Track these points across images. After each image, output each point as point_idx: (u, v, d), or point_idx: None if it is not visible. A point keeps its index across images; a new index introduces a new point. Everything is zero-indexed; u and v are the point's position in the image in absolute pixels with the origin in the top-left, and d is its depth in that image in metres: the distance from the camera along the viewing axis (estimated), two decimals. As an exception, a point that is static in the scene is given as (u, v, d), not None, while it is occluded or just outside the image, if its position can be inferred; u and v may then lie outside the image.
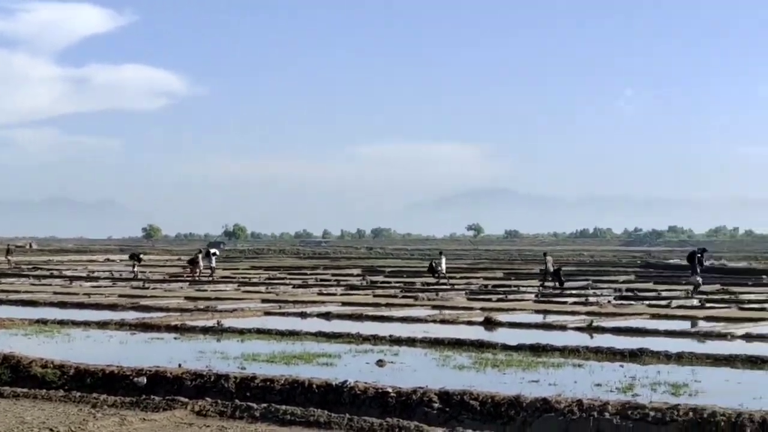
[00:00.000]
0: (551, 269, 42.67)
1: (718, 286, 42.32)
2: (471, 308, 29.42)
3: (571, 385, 14.68)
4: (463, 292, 37.57)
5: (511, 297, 34.55)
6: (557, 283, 41.01)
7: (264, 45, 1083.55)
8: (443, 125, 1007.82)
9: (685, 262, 43.00)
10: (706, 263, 46.98)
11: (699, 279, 38.33)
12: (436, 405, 12.41)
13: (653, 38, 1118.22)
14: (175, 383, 14.28)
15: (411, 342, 20.44)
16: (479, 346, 19.57)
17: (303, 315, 27.29)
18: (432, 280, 44.79)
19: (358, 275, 53.94)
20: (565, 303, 31.85)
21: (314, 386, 13.41)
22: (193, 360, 17.35)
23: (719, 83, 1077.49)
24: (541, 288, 39.96)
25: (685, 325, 24.48)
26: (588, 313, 27.25)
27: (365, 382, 13.46)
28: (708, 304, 31.28)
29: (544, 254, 46.79)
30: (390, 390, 12.94)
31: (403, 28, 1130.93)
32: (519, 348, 19.06)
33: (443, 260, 46.63)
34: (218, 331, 22.62)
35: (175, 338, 21.89)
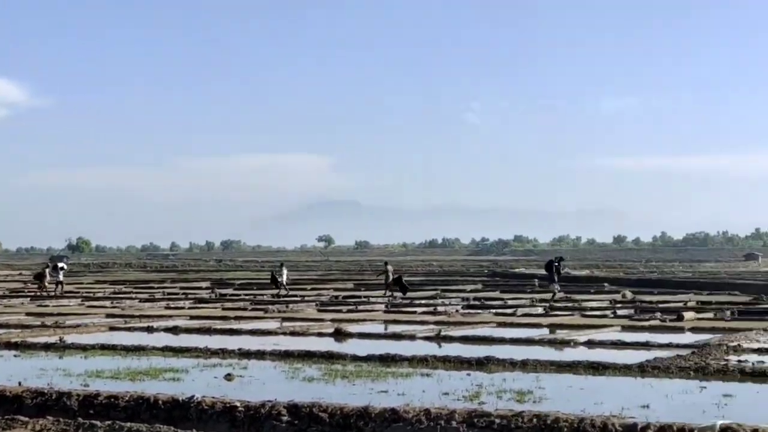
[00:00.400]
0: (392, 278, 43.04)
1: (561, 294, 43.46)
2: (321, 320, 29.39)
3: (419, 394, 14.79)
4: (314, 303, 37.51)
5: (361, 308, 34.68)
6: (402, 292, 41.37)
7: (107, 56, 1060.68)
8: (288, 136, 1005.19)
9: (533, 271, 44.12)
10: (563, 271, 47.56)
11: (557, 287, 38.57)
12: (285, 418, 12.31)
13: (497, 51, 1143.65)
14: (15, 402, 13.78)
15: (260, 355, 20.28)
16: (329, 357, 19.56)
17: (150, 329, 26.75)
18: (276, 291, 44.56)
19: (206, 288, 53.19)
20: (414, 313, 32.16)
21: (160, 402, 13.13)
22: (34, 377, 16.77)
23: (563, 96, 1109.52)
24: (390, 299, 40.18)
25: (530, 333, 24.99)
26: (437, 323, 27.58)
27: (213, 397, 13.26)
28: (552, 312, 32.08)
29: (385, 263, 46.67)
30: (238, 404, 12.78)
31: (235, 37, 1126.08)
32: (368, 359, 19.13)
33: (285, 271, 46.41)
34: (61, 348, 21.98)
35: (15, 355, 21.14)
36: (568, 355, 19.82)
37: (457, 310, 32.99)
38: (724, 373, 16.64)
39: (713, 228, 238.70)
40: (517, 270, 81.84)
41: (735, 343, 21.02)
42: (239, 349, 20.79)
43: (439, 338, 23.73)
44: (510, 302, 37.20)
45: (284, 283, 45.59)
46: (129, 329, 27.12)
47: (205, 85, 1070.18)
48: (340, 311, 33.12)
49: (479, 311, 32.99)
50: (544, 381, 16.33)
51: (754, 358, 18.85)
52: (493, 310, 33.07)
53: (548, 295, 38.12)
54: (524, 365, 17.92)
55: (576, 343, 22.44)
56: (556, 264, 39.71)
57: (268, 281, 48.49)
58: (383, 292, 43.00)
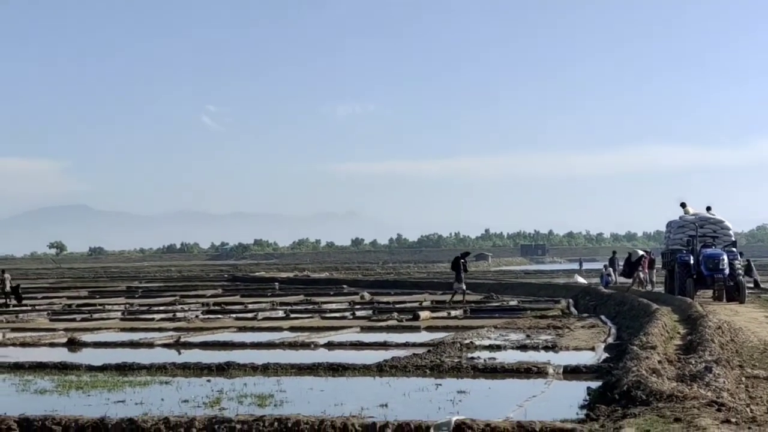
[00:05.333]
0: (9, 287, 41.89)
1: (301, 297, 43.82)
2: (54, 329, 28.23)
3: (158, 403, 14.45)
4: (45, 312, 36.00)
5: (96, 316, 33.63)
6: (16, 300, 40.60)
7: None
8: (6, 140, 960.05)
9: (273, 275, 44.02)
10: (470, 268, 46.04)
11: (463, 285, 37.15)
12: (14, 434, 11.70)
13: (234, 55, 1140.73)
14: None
15: (-13, 368, 19.22)
16: (63, 368, 18.81)
17: None
18: (3, 301, 42.39)
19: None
20: (152, 320, 31.51)
21: None
22: None
23: (300, 101, 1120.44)
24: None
25: (271, 337, 25.00)
26: (176, 329, 27.14)
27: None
28: (292, 315, 32.25)
29: (2, 270, 44.98)
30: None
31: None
32: (105, 368, 18.53)
33: (8, 279, 44.07)
34: None
35: None
36: (309, 357, 19.94)
37: (196, 316, 32.60)
38: (458, 371, 17.19)
39: (446, 229, 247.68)
40: (257, 274, 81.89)
41: (468, 341, 21.83)
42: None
43: (178, 345, 23.36)
44: (251, 306, 37.13)
45: (8, 291, 43.30)
46: None
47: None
48: (74, 320, 31.98)
49: (219, 316, 32.73)
50: (285, 384, 16.34)
51: (485, 354, 19.62)
52: (234, 315, 32.90)
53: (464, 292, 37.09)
54: (265, 369, 17.87)
55: (316, 345, 22.63)
56: (463, 261, 38.01)
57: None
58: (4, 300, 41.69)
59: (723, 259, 31.21)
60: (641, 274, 38.60)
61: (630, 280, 39.87)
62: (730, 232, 34.03)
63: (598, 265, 56.28)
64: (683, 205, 35.63)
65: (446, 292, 46.18)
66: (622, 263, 41.39)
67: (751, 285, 35.83)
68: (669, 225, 35.59)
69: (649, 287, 38.53)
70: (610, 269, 44.33)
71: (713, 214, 34.41)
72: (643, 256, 38.66)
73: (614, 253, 48.65)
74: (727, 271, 31.15)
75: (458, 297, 36.67)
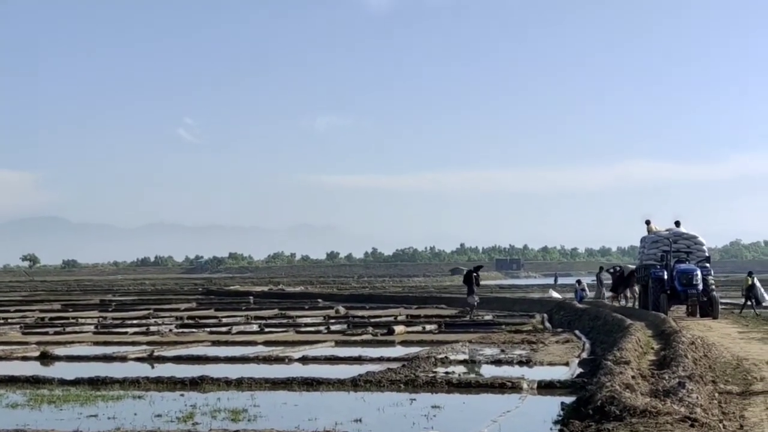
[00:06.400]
0: None
1: (276, 311, 43.71)
2: (26, 343, 28.00)
3: (131, 417, 14.35)
4: (18, 326, 35.72)
5: (69, 329, 33.38)
6: None
7: None
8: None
9: (248, 288, 43.76)
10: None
11: (476, 299, 36.77)
12: (-15, 449, 11.60)
13: (211, 66, 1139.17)
14: None
15: (-42, 382, 19.04)
16: (35, 382, 18.65)
17: None
18: None
19: None
20: (125, 333, 31.34)
21: None
22: None
23: (278, 113, 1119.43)
24: None
25: (245, 351, 24.90)
26: (149, 343, 26.99)
27: None
28: (267, 329, 32.14)
29: None
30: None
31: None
32: (77, 382, 18.40)
33: None
34: None
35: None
36: (283, 371, 19.86)
37: (170, 330, 32.44)
38: (433, 385, 17.18)
39: (421, 243, 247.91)
40: (232, 287, 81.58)
41: (442, 355, 21.83)
42: (-66, 377, 19.43)
43: (151, 359, 23.21)
44: (225, 320, 36.99)
45: None
46: None
47: None
48: (46, 333, 31.73)
49: (193, 330, 32.58)
50: (259, 399, 16.27)
51: (460, 369, 19.63)
52: (208, 329, 32.76)
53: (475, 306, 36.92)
54: (239, 384, 17.79)
55: (291, 360, 22.54)
56: (476, 275, 37.14)
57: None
58: None
59: (696, 275, 31.39)
60: (628, 291, 38.84)
61: (611, 294, 40.11)
62: (704, 247, 34.20)
63: (573, 280, 56.43)
64: (647, 222, 35.90)
65: (420, 307, 46.23)
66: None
67: (755, 303, 34.81)
68: (643, 240, 35.76)
69: (623, 302, 38.70)
70: (584, 284, 44.52)
71: (683, 230, 34.57)
72: (634, 271, 38.43)
73: (601, 268, 49.02)
74: (700, 287, 31.34)
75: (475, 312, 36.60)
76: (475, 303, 36.86)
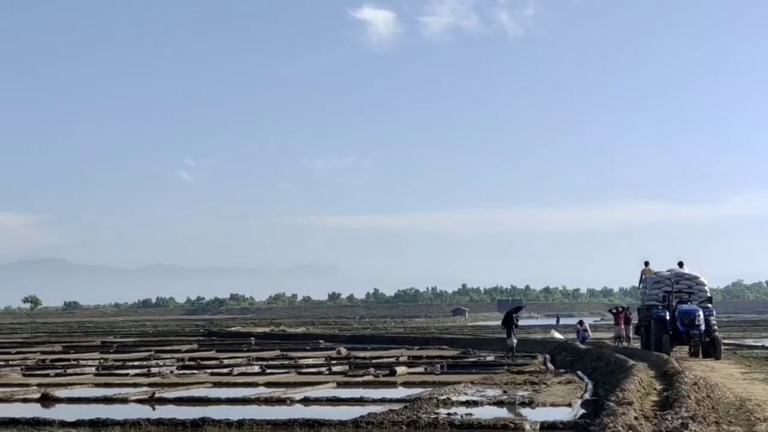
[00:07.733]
0: None
1: (277, 352, 43.61)
2: (27, 385, 27.94)
3: (132, 459, 14.31)
4: (19, 368, 35.64)
5: (70, 371, 33.31)
6: None
7: None
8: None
9: (250, 329, 43.54)
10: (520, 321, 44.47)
11: (514, 341, 36.73)
12: (-15, 492, 11.56)
13: (211, 109, 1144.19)
14: None
15: (-42, 425, 18.99)
16: (35, 424, 18.61)
17: None
18: None
19: None
20: (127, 375, 31.27)
21: None
22: None
23: (278, 153, 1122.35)
24: None
25: (247, 392, 24.82)
26: (150, 385, 26.92)
27: None
28: (268, 370, 32.07)
29: None
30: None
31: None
32: (78, 424, 18.36)
33: None
34: None
35: None
36: (285, 413, 19.80)
37: (171, 371, 32.35)
38: (435, 426, 17.11)
39: (423, 284, 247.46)
40: (233, 329, 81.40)
41: (444, 396, 21.74)
42: (-65, 419, 19.37)
43: (153, 400, 23.14)
44: (226, 361, 36.90)
45: None
46: None
47: None
48: (47, 375, 31.67)
49: (195, 371, 32.50)
50: (260, 440, 16.23)
51: (462, 410, 19.55)
52: (209, 370, 32.68)
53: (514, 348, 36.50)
54: (240, 425, 17.73)
55: (292, 401, 22.47)
56: (515, 315, 37.25)
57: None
58: None
59: (699, 315, 31.32)
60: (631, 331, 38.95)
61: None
62: (706, 288, 34.15)
63: (575, 321, 56.30)
64: (646, 263, 36.03)
65: (422, 347, 46.09)
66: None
67: None
68: (644, 281, 35.73)
69: (625, 343, 38.60)
70: (586, 324, 44.43)
71: (686, 270, 34.57)
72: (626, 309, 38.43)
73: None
74: (703, 327, 31.26)
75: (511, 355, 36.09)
76: (514, 344, 36.70)
